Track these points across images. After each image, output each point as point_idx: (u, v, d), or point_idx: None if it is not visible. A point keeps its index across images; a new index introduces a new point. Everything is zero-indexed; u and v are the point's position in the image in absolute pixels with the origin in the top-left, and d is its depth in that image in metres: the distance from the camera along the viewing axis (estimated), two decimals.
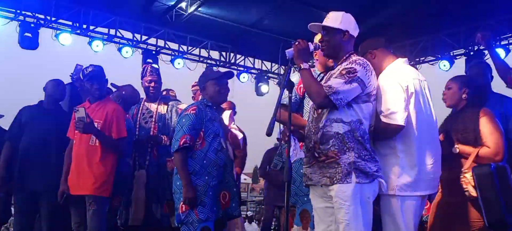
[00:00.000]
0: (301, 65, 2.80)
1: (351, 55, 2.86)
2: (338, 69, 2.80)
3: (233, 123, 4.47)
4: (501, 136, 3.15)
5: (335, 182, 2.68)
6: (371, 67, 2.83)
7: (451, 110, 3.43)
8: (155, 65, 8.22)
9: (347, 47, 2.89)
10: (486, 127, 3.14)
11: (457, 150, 3.19)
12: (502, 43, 7.97)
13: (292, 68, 2.91)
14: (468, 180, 3.04)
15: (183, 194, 3.43)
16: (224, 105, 4.12)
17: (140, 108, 4.62)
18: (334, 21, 2.88)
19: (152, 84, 4.62)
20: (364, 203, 2.68)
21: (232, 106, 5.07)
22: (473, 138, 3.15)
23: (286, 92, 2.85)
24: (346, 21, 2.89)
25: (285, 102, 2.94)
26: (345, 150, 2.70)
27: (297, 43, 2.83)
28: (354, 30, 2.91)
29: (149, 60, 8.57)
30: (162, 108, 4.63)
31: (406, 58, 3.12)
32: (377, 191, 2.77)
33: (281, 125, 3.00)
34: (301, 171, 3.14)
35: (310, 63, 3.05)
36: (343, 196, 2.66)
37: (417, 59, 8.94)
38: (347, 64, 2.78)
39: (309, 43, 2.87)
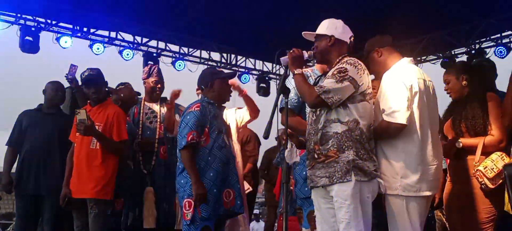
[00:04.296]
0: (295, 71, 2.90)
1: (344, 58, 2.92)
2: (331, 71, 2.86)
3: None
4: (504, 122, 3.12)
5: (335, 181, 2.71)
6: (363, 66, 2.86)
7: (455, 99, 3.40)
8: None
9: (336, 52, 2.96)
10: (491, 114, 3.13)
11: (460, 144, 3.16)
12: (504, 41, 7.95)
13: (288, 74, 3.00)
14: (482, 173, 3.02)
15: (193, 191, 3.42)
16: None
17: (142, 108, 4.61)
18: (321, 28, 3.00)
19: (159, 86, 4.62)
20: (364, 203, 2.72)
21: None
22: (482, 124, 3.12)
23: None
24: (331, 27, 2.98)
25: (289, 107, 3.01)
26: (344, 149, 2.73)
27: (291, 51, 2.93)
28: (342, 34, 2.98)
29: (150, 62, 8.57)
30: (165, 110, 4.62)
31: (412, 58, 3.12)
32: (376, 191, 2.79)
33: (280, 126, 3.05)
34: (304, 173, 3.16)
35: (311, 64, 3.10)
36: (343, 195, 2.69)
37: (419, 58, 8.91)
38: (338, 65, 2.85)
39: (304, 51, 2.96)
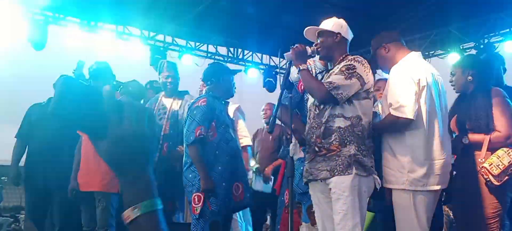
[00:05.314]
0: (300, 66, 2.92)
1: (347, 56, 2.95)
2: (338, 68, 2.89)
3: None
4: (511, 118, 3.09)
5: (336, 173, 2.74)
6: (368, 64, 2.90)
7: (460, 94, 3.37)
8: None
9: (340, 49, 3.00)
10: (497, 110, 3.09)
11: (467, 141, 3.15)
12: None
13: (291, 69, 3.05)
14: (487, 170, 3.01)
15: (201, 186, 3.46)
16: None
17: (157, 104, 4.60)
18: (327, 25, 3.02)
19: (169, 79, 4.60)
20: (361, 196, 2.76)
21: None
22: (485, 124, 3.10)
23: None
24: (337, 25, 3.02)
25: (286, 103, 3.04)
26: (346, 143, 2.77)
27: (295, 47, 2.96)
28: (346, 34, 3.03)
29: (157, 56, 8.57)
30: (176, 105, 4.59)
31: (420, 52, 3.11)
32: (372, 187, 2.82)
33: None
34: (301, 168, 3.19)
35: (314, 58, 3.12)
36: (341, 187, 2.73)
37: (427, 53, 8.85)
38: (346, 62, 2.88)
39: (307, 46, 2.99)
